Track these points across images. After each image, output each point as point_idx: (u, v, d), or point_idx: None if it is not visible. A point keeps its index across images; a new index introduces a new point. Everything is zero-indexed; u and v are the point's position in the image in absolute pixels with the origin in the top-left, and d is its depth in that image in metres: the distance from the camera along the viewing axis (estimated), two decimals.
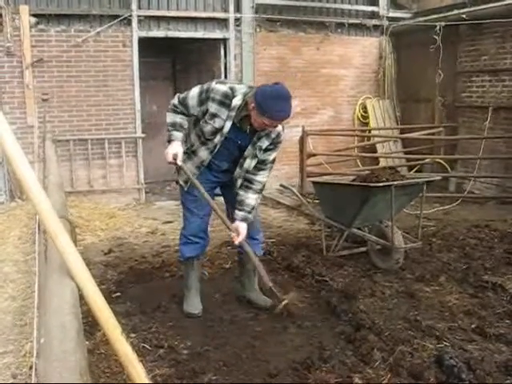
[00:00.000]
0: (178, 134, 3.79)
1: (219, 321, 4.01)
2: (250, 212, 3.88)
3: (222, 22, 8.75)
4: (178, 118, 3.82)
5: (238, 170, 3.86)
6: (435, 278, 4.75)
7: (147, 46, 8.43)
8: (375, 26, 10.01)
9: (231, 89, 3.64)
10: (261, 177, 3.89)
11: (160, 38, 8.45)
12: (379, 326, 3.68)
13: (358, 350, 3.43)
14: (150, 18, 8.25)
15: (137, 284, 4.80)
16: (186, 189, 4.00)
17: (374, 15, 9.98)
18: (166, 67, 10.12)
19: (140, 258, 5.59)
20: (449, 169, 8.89)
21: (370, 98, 10.07)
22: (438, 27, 8.81)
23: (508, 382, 3.09)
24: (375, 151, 9.81)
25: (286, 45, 9.35)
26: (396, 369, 3.19)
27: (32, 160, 7.24)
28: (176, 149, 3.74)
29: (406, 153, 9.85)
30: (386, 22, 10.01)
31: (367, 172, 5.41)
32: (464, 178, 8.90)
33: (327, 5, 9.55)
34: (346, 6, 9.72)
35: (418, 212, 5.25)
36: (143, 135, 8.48)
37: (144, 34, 8.24)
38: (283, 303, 3.83)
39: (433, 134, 9.38)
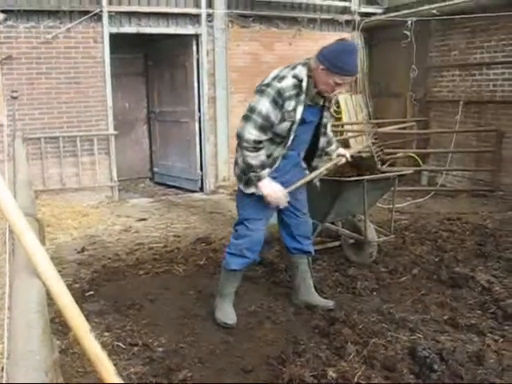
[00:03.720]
0: (268, 171, 3.56)
1: (193, 317, 4.00)
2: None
3: (194, 18, 8.69)
4: (263, 157, 3.53)
5: (322, 140, 3.86)
6: (408, 270, 4.80)
7: (119, 42, 8.34)
8: (347, 22, 10.04)
9: (295, 77, 3.50)
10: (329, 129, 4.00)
11: (131, 33, 8.37)
12: (353, 320, 3.70)
13: (332, 343, 3.45)
14: (120, 13, 8.14)
15: (110, 282, 4.75)
16: (257, 192, 3.67)
17: (345, 10, 10.00)
18: (138, 63, 10.02)
19: (113, 255, 5.54)
20: (421, 162, 8.97)
21: (343, 92, 10.11)
22: (409, 22, 8.88)
23: (480, 371, 3.13)
24: (348, 146, 9.85)
25: (259, 40, 9.33)
26: (370, 361, 3.22)
27: (2, 159, 7.12)
28: (277, 186, 3.58)
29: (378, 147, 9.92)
30: (357, 18, 10.04)
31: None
32: (436, 172, 9.01)
33: (299, 0, 9.54)
34: (318, 2, 9.72)
35: (391, 206, 5.29)
36: (115, 132, 8.39)
37: (115, 30, 8.13)
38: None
39: (405, 128, 9.48)
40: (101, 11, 7.91)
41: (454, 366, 3.12)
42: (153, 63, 9.72)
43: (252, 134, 3.46)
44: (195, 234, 6.24)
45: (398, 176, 5.00)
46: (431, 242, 5.61)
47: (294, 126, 3.57)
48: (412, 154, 9.00)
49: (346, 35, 10.01)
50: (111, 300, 4.32)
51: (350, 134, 9.91)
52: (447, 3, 8.39)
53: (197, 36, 8.74)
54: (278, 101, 3.46)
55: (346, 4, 9.96)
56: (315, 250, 5.17)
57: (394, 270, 4.82)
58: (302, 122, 3.60)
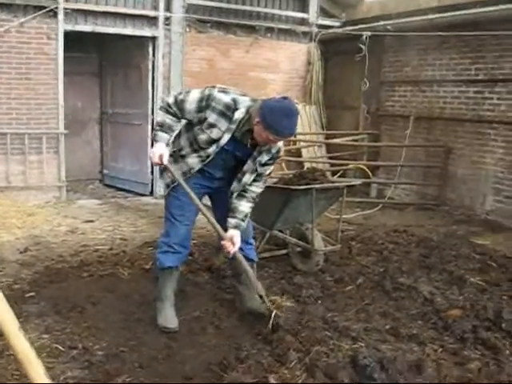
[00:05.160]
0: (164, 136, 3.64)
1: (137, 322, 3.94)
2: (242, 220, 3.74)
3: (152, 20, 8.62)
4: (168, 119, 3.64)
5: (235, 184, 3.72)
6: (353, 280, 4.85)
7: (73, 40, 8.18)
8: (304, 33, 10.15)
9: (234, 100, 3.49)
10: (255, 187, 3.77)
11: (87, 32, 8.24)
12: (296, 327, 3.70)
13: (274, 350, 3.43)
14: (77, 11, 8.00)
15: (52, 284, 4.63)
16: (165, 192, 3.87)
17: (303, 22, 10.12)
18: (92, 63, 9.83)
19: (57, 257, 5.41)
20: (371, 175, 9.12)
21: (297, 103, 10.18)
22: (364, 37, 9.03)
23: (418, 380, 3.18)
24: (300, 156, 9.95)
25: (216, 46, 9.33)
26: (311, 369, 3.21)
27: None
28: (161, 149, 3.58)
29: (330, 158, 10.05)
30: (315, 29, 10.17)
31: (292, 174, 5.45)
32: (385, 185, 9.18)
33: (258, 9, 9.61)
34: (277, 12, 9.82)
35: (339, 216, 5.35)
36: (66, 131, 8.22)
37: (70, 27, 7.98)
38: (273, 314, 3.71)
39: (356, 140, 9.63)
40: (56, 7, 7.76)
41: (393, 375, 3.15)
42: (107, 63, 9.58)
43: (170, 98, 3.67)
44: (142, 238, 6.16)
45: (346, 186, 5.06)
46: (377, 252, 5.69)
47: (213, 148, 3.59)
48: (362, 166, 9.14)
49: (302, 46, 10.15)
50: (52, 302, 4.20)
51: (302, 144, 10.00)
52: (402, 20, 8.57)
53: (153, 38, 8.67)
54: (203, 103, 3.53)
55: (304, 15, 10.07)
56: (263, 258, 5.22)
57: (339, 279, 4.87)
58: (226, 149, 3.62)
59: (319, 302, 4.38)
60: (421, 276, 4.99)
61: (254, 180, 3.75)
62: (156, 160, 3.60)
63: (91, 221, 7.05)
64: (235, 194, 3.76)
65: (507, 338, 3.76)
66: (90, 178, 9.96)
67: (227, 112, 3.49)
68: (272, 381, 3.04)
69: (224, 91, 3.55)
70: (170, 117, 3.66)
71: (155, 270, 4.16)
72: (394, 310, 4.23)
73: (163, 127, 3.66)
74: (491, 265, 5.38)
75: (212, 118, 3.51)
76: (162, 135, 3.65)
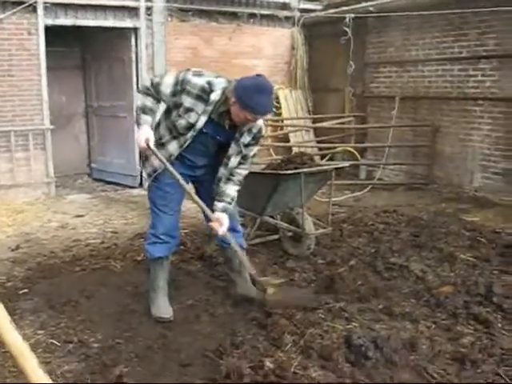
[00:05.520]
0: (148, 118, 3.60)
1: (131, 313, 3.95)
2: (230, 203, 3.73)
3: (133, 11, 8.55)
4: (149, 102, 3.61)
5: (222, 170, 3.70)
6: (345, 262, 4.88)
7: (55, 34, 8.12)
8: (287, 18, 10.12)
9: (209, 83, 3.46)
10: (241, 170, 3.77)
11: (68, 26, 8.16)
12: (290, 311, 3.73)
13: (269, 334, 3.47)
14: (56, 5, 7.91)
15: (45, 279, 4.63)
16: (148, 182, 3.85)
17: (285, 6, 10.07)
18: (75, 57, 9.75)
19: (49, 253, 5.41)
20: (359, 157, 9.14)
21: (283, 88, 10.18)
22: (347, 19, 9.01)
23: (412, 357, 3.22)
24: (288, 141, 9.95)
25: (198, 35, 9.28)
26: (306, 351, 3.26)
27: None
28: (147, 132, 3.53)
29: (318, 142, 10.06)
30: (297, 14, 10.13)
31: (280, 159, 5.46)
32: (374, 166, 9.21)
33: None
34: None
35: (329, 199, 5.36)
36: (52, 127, 8.17)
37: (50, 21, 7.91)
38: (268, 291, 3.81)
39: (343, 123, 9.64)
40: (35, 2, 7.68)
41: (388, 353, 3.19)
42: (90, 57, 9.51)
43: (148, 82, 3.68)
44: (133, 230, 6.16)
45: (334, 169, 5.07)
46: (368, 234, 5.73)
47: (192, 133, 3.57)
48: (350, 149, 9.16)
49: (286, 31, 10.12)
50: (46, 297, 4.20)
51: (290, 129, 10.00)
52: (384, 1, 8.55)
53: (135, 29, 8.61)
54: (178, 86, 3.51)
55: (286, 0, 10.02)
56: (254, 244, 5.23)
57: (331, 261, 4.90)
58: (206, 133, 3.61)
59: (312, 285, 4.41)
60: (412, 255, 5.03)
61: (240, 163, 3.75)
62: (142, 144, 3.54)
63: (81, 215, 7.03)
64: (223, 179, 3.76)
65: (498, 312, 3.82)
66: (78, 173, 9.92)
67: (203, 95, 3.47)
68: (268, 364, 3.07)
69: (198, 74, 3.53)
70: (150, 99, 3.63)
71: (147, 261, 4.17)
72: (386, 289, 4.26)
73: (145, 110, 3.62)
74: (481, 241, 5.44)
75: (188, 102, 3.49)
76: (145, 118, 3.61)
